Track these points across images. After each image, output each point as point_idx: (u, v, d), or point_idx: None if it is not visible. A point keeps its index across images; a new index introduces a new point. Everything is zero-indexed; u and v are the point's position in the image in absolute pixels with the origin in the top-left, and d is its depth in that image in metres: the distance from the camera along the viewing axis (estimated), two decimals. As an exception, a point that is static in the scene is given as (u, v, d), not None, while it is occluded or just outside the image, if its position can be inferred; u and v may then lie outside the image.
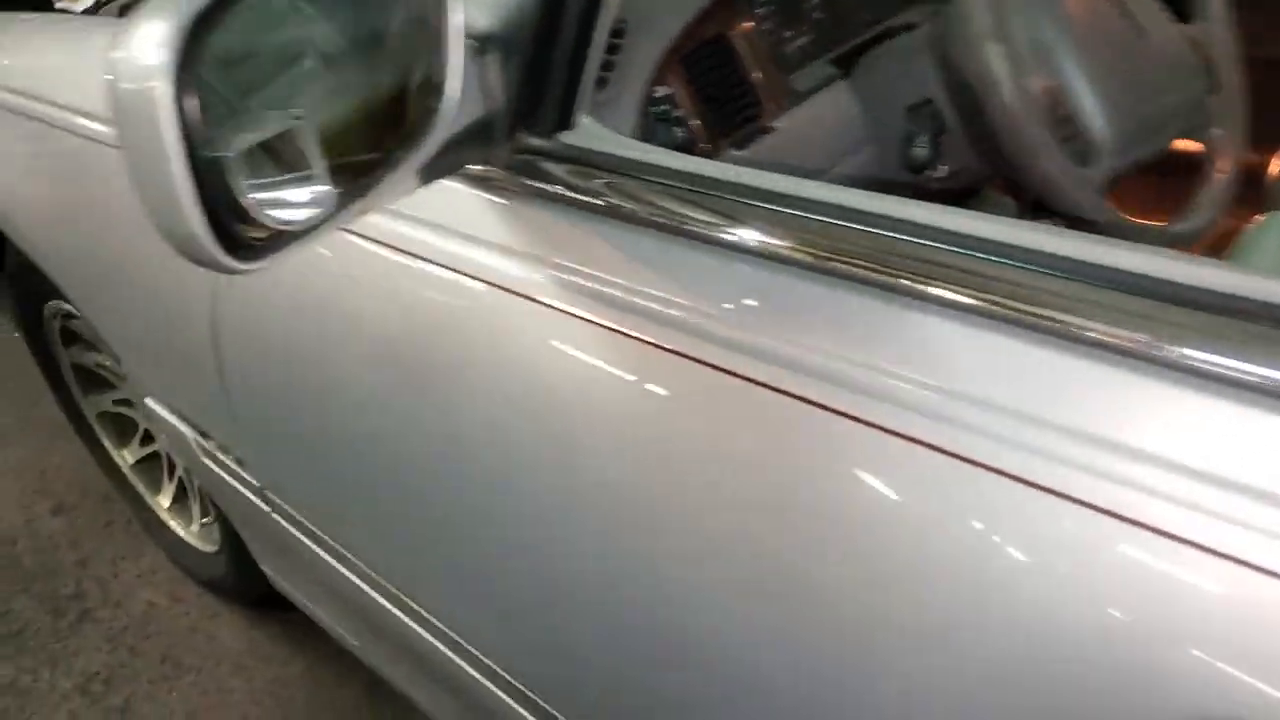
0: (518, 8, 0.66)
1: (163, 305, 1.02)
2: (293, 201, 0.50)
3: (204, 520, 1.65)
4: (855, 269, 0.52)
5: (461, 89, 0.61)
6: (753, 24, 0.93)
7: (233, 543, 1.49)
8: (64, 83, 1.09)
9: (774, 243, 0.56)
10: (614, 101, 0.74)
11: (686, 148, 0.84)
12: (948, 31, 0.84)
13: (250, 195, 0.48)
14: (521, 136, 0.69)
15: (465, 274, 0.71)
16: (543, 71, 0.68)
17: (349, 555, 1.01)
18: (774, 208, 0.57)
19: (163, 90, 0.43)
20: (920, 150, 0.86)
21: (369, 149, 0.56)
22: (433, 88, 0.60)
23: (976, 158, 0.90)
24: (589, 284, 0.65)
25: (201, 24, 0.44)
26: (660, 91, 0.83)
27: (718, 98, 0.87)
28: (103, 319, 1.21)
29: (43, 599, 1.77)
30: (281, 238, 0.50)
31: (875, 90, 0.99)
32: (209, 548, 1.65)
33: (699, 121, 0.85)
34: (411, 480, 0.84)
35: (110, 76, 0.44)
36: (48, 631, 1.71)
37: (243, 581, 1.58)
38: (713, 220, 0.59)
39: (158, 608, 1.75)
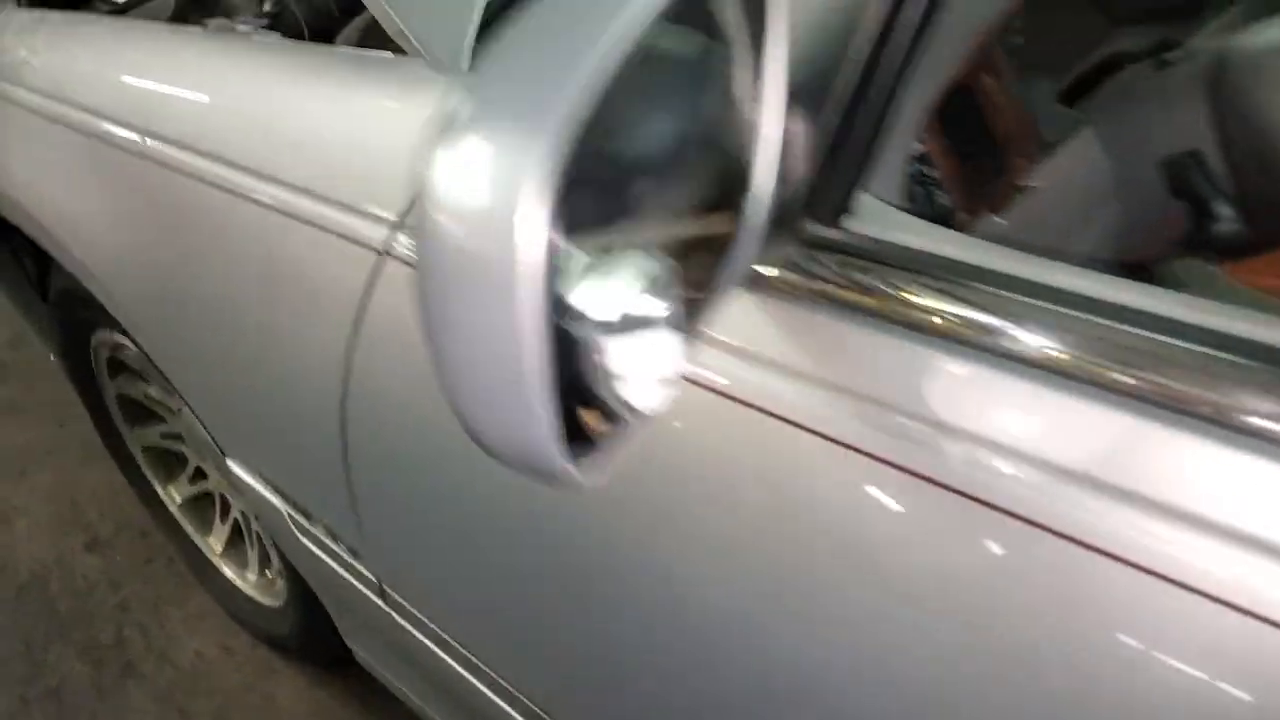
0: (829, 64, 0.51)
1: (271, 376, 0.87)
2: (642, 374, 0.35)
3: (267, 573, 1.50)
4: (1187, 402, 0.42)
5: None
6: (993, 65, 0.78)
7: (304, 602, 1.33)
8: (145, 102, 0.93)
9: (1103, 370, 0.44)
10: (878, 169, 0.59)
11: (948, 217, 0.69)
12: (1265, 79, 0.69)
13: (614, 376, 0.32)
14: (804, 224, 0.54)
15: (730, 395, 0.56)
16: (840, 142, 0.53)
17: (484, 668, 0.87)
18: (1096, 319, 0.45)
19: (532, 250, 0.28)
20: (1229, 227, 0.71)
21: (700, 271, 0.41)
22: (738, 185, 0.45)
23: (1269, 223, 0.75)
24: (889, 417, 0.51)
25: (574, 140, 0.29)
26: (916, 150, 0.68)
27: (967, 153, 0.72)
28: (181, 372, 1.05)
29: (81, 649, 1.62)
30: (621, 430, 0.35)
31: (1119, 138, 0.84)
32: (271, 601, 1.50)
33: (954, 183, 0.70)
34: (602, 615, 0.70)
35: (432, 209, 0.29)
36: (89, 688, 1.56)
37: (312, 644, 1.44)
38: (1038, 339, 0.46)
39: (207, 659, 1.60)
